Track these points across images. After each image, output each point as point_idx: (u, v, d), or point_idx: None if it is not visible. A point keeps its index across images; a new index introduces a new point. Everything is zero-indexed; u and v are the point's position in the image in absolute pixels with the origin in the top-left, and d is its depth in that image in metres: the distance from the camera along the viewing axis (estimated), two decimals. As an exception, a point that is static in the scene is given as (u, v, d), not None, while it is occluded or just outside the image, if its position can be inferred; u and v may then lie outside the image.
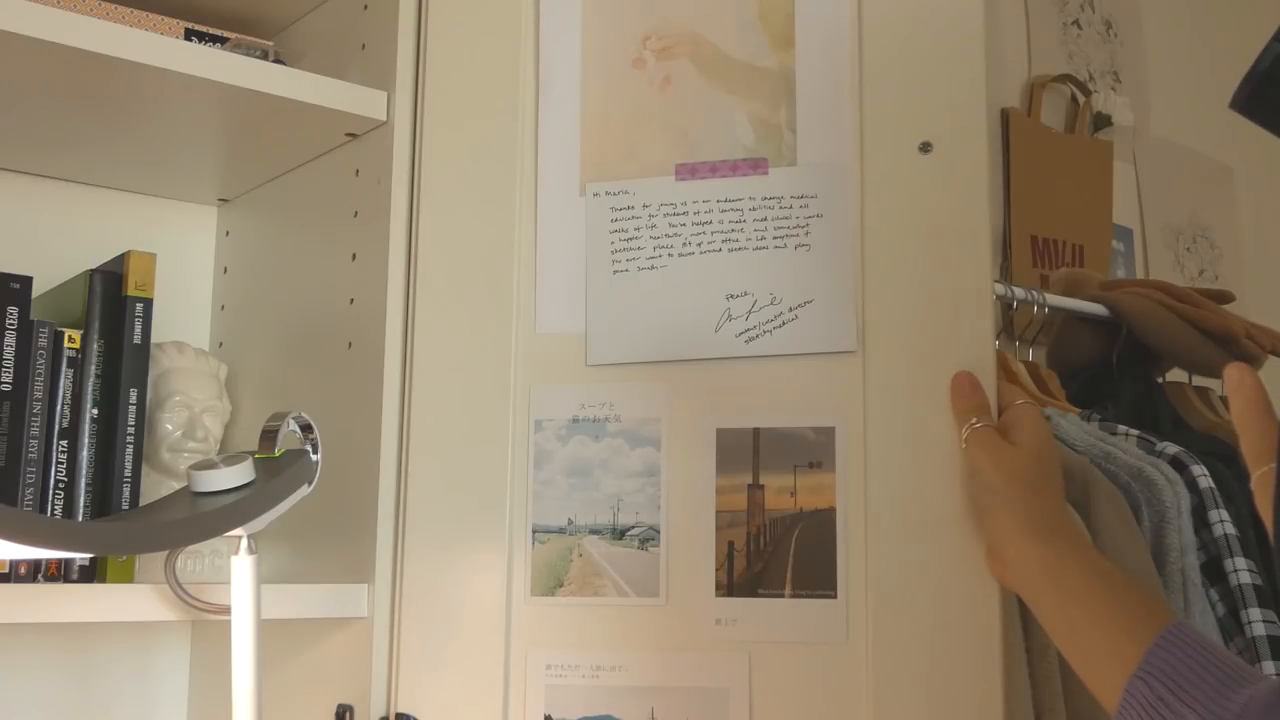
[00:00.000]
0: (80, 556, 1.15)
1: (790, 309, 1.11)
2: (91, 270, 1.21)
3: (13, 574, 1.12)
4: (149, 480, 1.23)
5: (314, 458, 1.07)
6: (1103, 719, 0.91)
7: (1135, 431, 1.56)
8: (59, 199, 1.41)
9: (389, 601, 1.16)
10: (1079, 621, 0.94)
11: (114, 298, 1.20)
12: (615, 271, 1.16)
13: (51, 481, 1.16)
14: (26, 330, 1.14)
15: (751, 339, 1.12)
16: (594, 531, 1.13)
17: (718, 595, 1.10)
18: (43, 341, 1.15)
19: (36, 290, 1.17)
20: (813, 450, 1.10)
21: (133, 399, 1.20)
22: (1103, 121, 2.25)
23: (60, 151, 1.33)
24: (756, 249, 1.13)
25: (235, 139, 1.30)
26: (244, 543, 1.00)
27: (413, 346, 1.19)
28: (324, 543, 1.23)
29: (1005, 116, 2.06)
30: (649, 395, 1.14)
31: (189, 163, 1.36)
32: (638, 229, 1.16)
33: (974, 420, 1.04)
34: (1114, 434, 1.55)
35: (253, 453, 1.02)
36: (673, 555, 1.11)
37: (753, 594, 1.09)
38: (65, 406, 1.16)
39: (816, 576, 1.08)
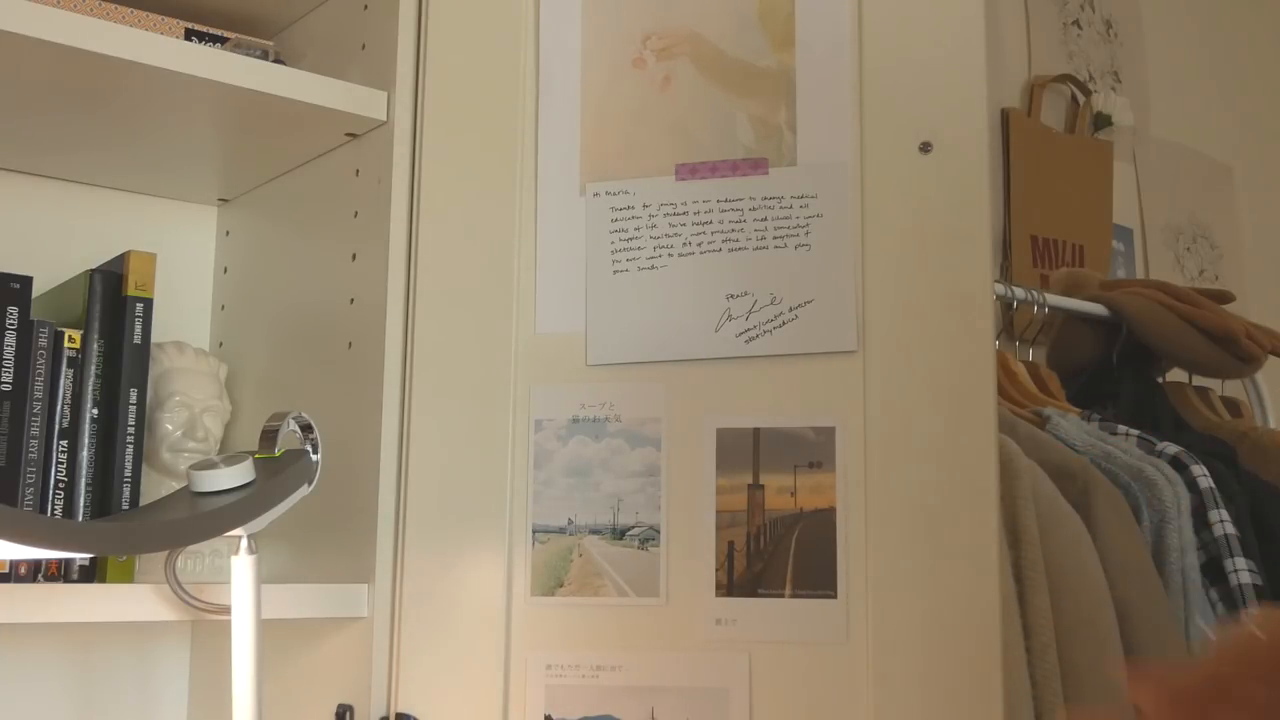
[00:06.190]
0: (80, 556, 1.14)
1: (790, 309, 1.11)
2: (91, 270, 1.21)
3: (13, 574, 1.12)
4: (149, 480, 1.23)
5: (314, 458, 1.07)
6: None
7: (1135, 431, 1.56)
8: (59, 199, 1.41)
9: (389, 601, 1.16)
10: None
11: (114, 298, 1.20)
12: (615, 271, 1.16)
13: (51, 481, 1.16)
14: (26, 330, 1.14)
15: (751, 339, 1.12)
16: (594, 531, 1.13)
17: (718, 595, 1.10)
18: (43, 341, 1.15)
19: (36, 290, 1.17)
20: (813, 450, 1.10)
21: (133, 399, 1.20)
22: (1103, 121, 2.25)
23: (60, 151, 1.33)
24: (756, 249, 1.13)
25: (235, 139, 1.30)
26: (244, 543, 1.00)
27: (413, 346, 1.19)
28: (324, 543, 1.23)
29: (1005, 116, 2.06)
30: (649, 395, 1.14)
31: (189, 163, 1.36)
32: (638, 229, 1.16)
33: None
34: (1114, 434, 1.55)
35: (253, 453, 1.02)
36: (673, 555, 1.11)
37: (753, 594, 1.09)
38: (65, 406, 1.16)
39: (816, 576, 1.08)
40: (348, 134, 1.25)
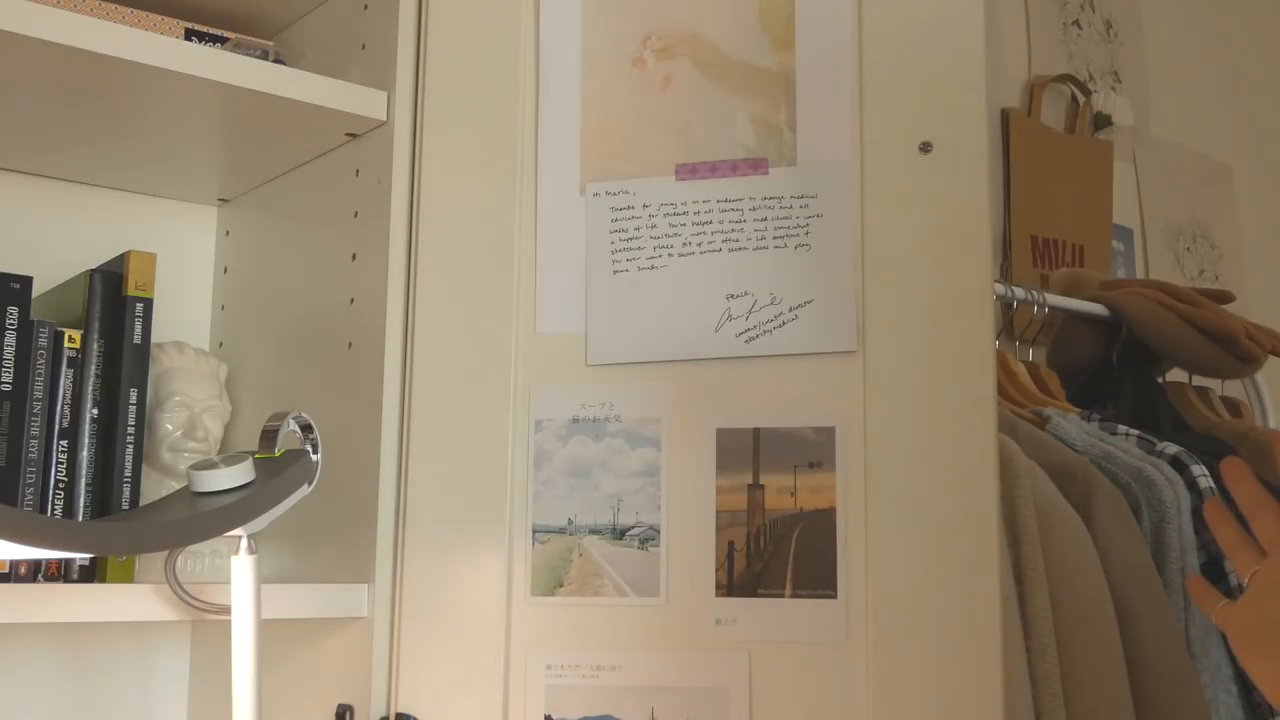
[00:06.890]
0: (80, 556, 1.14)
1: (790, 309, 1.11)
2: (91, 270, 1.21)
3: (13, 574, 1.12)
4: (149, 480, 1.23)
5: (314, 458, 1.07)
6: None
7: (1135, 431, 1.56)
8: (59, 199, 1.41)
9: (389, 601, 1.16)
10: None
11: (114, 298, 1.20)
12: (615, 271, 1.16)
13: (51, 481, 1.16)
14: (26, 330, 1.14)
15: (751, 339, 1.12)
16: (594, 531, 1.13)
17: (718, 595, 1.10)
18: (43, 341, 1.15)
19: (36, 290, 1.17)
20: (813, 450, 1.10)
21: (133, 399, 1.20)
22: (1103, 121, 2.25)
23: (60, 151, 1.33)
24: (756, 249, 1.13)
25: (235, 139, 1.30)
26: (244, 543, 1.00)
27: (413, 346, 1.19)
28: (324, 543, 1.23)
29: (1005, 116, 2.06)
30: (649, 395, 1.14)
31: (189, 163, 1.36)
32: (638, 229, 1.16)
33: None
34: (1114, 434, 1.55)
35: (253, 453, 1.02)
36: (673, 555, 1.11)
37: (753, 594, 1.09)
38: (65, 406, 1.16)
39: (816, 576, 1.08)
40: (348, 134, 1.25)
